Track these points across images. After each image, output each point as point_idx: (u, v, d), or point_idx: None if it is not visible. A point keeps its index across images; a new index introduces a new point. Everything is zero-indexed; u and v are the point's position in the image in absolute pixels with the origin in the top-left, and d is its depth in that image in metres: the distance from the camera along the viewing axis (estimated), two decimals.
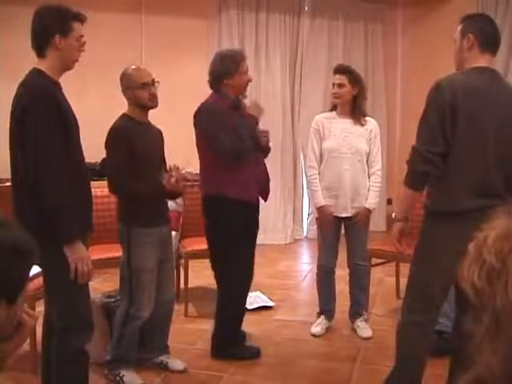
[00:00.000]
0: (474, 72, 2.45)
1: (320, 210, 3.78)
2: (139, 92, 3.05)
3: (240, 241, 3.36)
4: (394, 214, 2.66)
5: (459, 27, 2.53)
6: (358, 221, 3.71)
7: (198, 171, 3.52)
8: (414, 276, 2.61)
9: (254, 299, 4.40)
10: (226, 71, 3.36)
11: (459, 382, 0.90)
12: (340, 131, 3.71)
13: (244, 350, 3.55)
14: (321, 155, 3.76)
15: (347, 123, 3.73)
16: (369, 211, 3.74)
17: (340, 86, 3.66)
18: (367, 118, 3.78)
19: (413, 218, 2.70)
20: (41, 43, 2.37)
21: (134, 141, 3.01)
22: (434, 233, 2.52)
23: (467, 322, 0.86)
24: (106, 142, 3.06)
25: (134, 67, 3.14)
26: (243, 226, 3.36)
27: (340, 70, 3.74)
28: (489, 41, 2.48)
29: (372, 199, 3.73)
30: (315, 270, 3.96)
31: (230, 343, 3.49)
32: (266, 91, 6.67)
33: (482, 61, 2.47)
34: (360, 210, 3.71)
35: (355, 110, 3.72)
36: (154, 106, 3.11)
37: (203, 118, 3.35)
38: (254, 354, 3.53)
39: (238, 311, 3.52)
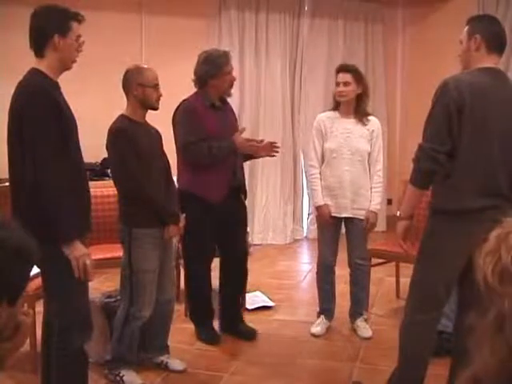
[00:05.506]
0: (480, 72, 2.45)
1: (318, 209, 3.78)
2: (150, 91, 3.05)
3: (192, 232, 3.45)
4: (398, 213, 2.66)
5: (466, 28, 2.54)
6: (369, 227, 3.70)
7: None
8: (418, 275, 2.60)
9: (254, 299, 4.40)
10: (210, 72, 3.52)
11: (458, 380, 0.90)
12: (341, 131, 3.71)
13: (207, 332, 3.71)
14: (322, 155, 3.77)
15: (349, 123, 3.73)
16: (375, 214, 3.73)
17: (345, 84, 3.64)
18: (370, 118, 3.77)
19: (418, 217, 2.70)
20: (39, 43, 2.36)
21: (136, 141, 3.01)
22: (439, 231, 2.52)
23: (470, 316, 0.86)
24: (110, 145, 3.05)
25: (146, 66, 3.14)
26: (195, 219, 3.42)
27: (344, 68, 3.74)
28: (496, 42, 2.49)
29: (375, 200, 3.72)
30: (315, 270, 3.96)
31: (195, 312, 3.78)
32: (265, 91, 6.65)
33: (488, 61, 2.48)
34: (367, 213, 3.68)
35: (358, 108, 3.72)
36: (158, 107, 3.12)
37: (178, 116, 3.56)
38: (213, 340, 3.67)
39: (194, 290, 3.77)
